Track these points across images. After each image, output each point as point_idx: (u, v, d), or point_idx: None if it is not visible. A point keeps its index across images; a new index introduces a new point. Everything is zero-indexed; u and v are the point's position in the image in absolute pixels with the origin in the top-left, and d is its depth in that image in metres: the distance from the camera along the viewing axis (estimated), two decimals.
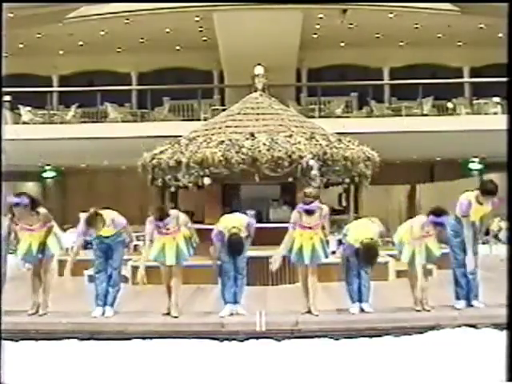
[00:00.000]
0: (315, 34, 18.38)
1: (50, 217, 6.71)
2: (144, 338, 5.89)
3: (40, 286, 6.69)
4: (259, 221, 7.14)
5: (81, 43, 18.90)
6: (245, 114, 10.93)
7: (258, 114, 10.88)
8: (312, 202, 6.40)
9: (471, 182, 18.59)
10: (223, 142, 9.73)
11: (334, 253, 7.71)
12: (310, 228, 6.48)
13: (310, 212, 6.39)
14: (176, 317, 6.44)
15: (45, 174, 20.66)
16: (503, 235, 12.64)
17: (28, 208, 6.34)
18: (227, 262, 6.63)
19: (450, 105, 16.85)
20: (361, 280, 6.63)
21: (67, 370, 5.11)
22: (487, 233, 12.39)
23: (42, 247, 6.61)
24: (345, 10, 16.60)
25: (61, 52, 19.60)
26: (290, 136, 9.87)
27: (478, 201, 6.51)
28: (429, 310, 6.49)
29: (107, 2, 16.40)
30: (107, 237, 6.57)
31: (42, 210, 6.62)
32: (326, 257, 6.68)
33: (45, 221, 6.61)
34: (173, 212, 6.66)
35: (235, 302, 6.61)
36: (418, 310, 6.49)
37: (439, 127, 14.64)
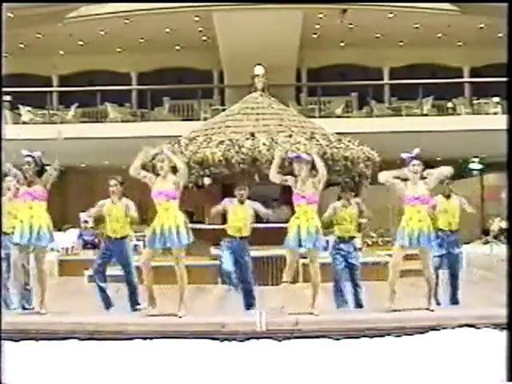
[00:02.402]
0: (315, 33, 18.39)
1: None
2: (144, 338, 5.89)
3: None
4: (259, 221, 7.13)
5: (81, 43, 18.91)
6: (245, 113, 10.92)
7: (257, 113, 10.87)
8: None
9: (471, 182, 18.65)
10: (223, 141, 9.73)
11: None
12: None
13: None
14: (180, 317, 6.40)
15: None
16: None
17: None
18: (230, 266, 6.58)
19: (450, 105, 16.88)
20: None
21: (67, 369, 5.11)
22: (487, 233, 12.39)
23: None
24: (345, 10, 16.61)
25: (61, 52, 19.60)
26: (290, 136, 9.87)
27: None
28: (432, 310, 6.47)
29: (107, 2, 16.41)
30: (116, 238, 6.60)
31: None
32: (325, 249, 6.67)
33: None
34: None
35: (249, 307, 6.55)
36: (427, 309, 6.40)
37: (439, 127, 14.66)
